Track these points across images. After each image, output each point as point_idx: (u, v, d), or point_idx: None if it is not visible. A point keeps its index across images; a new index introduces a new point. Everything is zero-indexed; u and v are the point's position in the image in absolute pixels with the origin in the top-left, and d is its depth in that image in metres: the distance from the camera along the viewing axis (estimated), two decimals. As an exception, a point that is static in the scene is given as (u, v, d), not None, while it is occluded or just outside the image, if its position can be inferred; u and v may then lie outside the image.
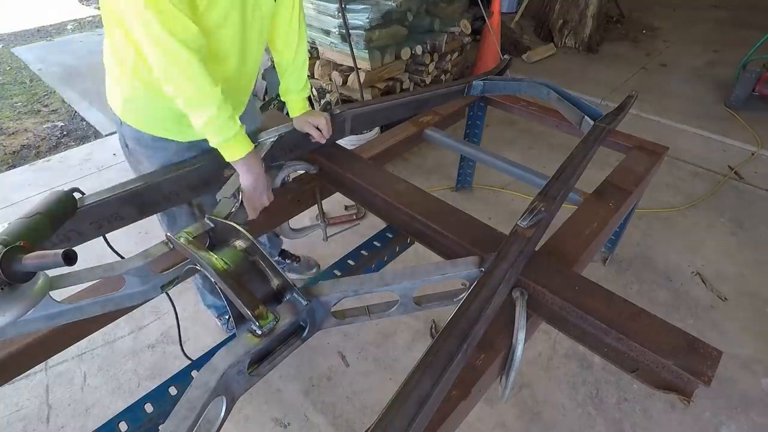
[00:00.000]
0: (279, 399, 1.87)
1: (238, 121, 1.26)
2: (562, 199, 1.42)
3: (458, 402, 1.00)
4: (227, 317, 2.05)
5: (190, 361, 1.52)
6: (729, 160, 3.41)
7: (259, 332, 0.91)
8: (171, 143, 1.39)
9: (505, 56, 2.45)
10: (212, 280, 0.99)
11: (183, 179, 1.42)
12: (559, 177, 1.47)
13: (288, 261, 2.33)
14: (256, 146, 1.40)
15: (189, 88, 1.13)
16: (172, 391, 1.46)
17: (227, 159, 1.29)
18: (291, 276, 1.31)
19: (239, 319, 1.01)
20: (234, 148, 1.27)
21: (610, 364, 1.14)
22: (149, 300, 1.21)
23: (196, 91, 1.14)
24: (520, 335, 1.09)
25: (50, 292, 1.01)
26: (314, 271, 2.37)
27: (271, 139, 1.57)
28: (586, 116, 1.90)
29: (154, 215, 1.47)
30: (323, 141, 1.66)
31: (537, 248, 1.34)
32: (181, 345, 1.54)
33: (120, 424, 1.37)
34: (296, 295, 1.00)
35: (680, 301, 2.31)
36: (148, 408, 1.41)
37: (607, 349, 1.12)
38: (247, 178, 1.32)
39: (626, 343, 1.07)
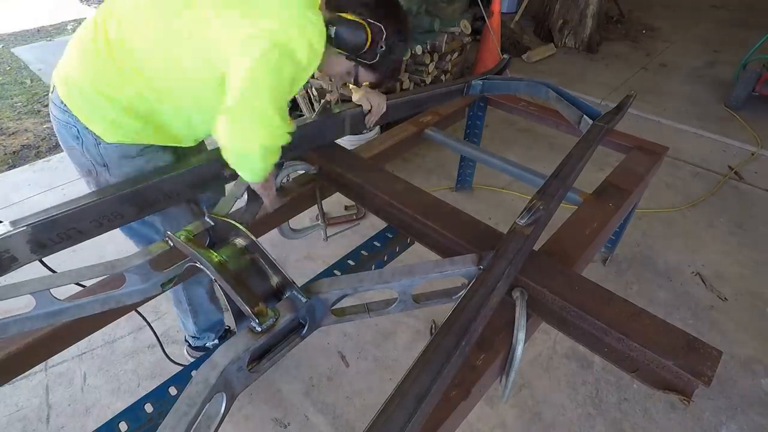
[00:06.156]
0: (279, 399, 1.87)
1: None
2: (560, 198, 1.42)
3: (458, 402, 1.00)
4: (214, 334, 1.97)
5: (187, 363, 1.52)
6: (729, 160, 3.41)
7: (259, 329, 0.91)
8: (152, 147, 1.37)
9: (505, 56, 2.45)
10: (212, 277, 0.99)
11: (183, 178, 1.42)
12: (558, 175, 1.47)
13: None
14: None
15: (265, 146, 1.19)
16: (172, 391, 1.46)
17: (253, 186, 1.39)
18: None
19: (239, 316, 1.01)
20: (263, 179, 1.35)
21: (610, 364, 1.14)
22: (150, 298, 1.21)
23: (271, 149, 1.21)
24: (520, 335, 1.09)
25: (51, 290, 1.01)
26: None
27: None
28: (585, 115, 1.91)
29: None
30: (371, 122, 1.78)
31: (537, 248, 1.34)
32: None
33: (120, 424, 1.37)
34: (296, 293, 1.00)
35: (680, 301, 2.31)
36: (148, 408, 1.41)
37: (607, 349, 1.12)
38: (265, 195, 1.43)
39: (626, 343, 1.07)
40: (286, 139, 1.21)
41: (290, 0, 1.13)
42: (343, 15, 1.17)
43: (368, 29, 1.17)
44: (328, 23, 1.16)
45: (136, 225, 1.55)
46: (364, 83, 1.43)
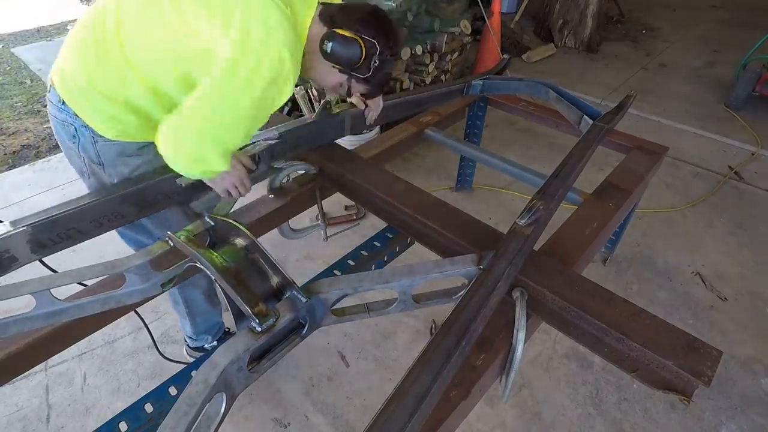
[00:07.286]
0: (279, 399, 1.87)
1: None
2: (560, 198, 1.42)
3: (458, 402, 1.00)
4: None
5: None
6: (729, 160, 3.41)
7: (259, 329, 0.91)
8: (150, 147, 1.32)
9: (505, 56, 2.45)
10: (212, 277, 0.99)
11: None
12: (558, 175, 1.47)
13: None
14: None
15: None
16: (172, 391, 1.46)
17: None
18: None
19: (239, 316, 1.01)
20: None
21: (610, 364, 1.14)
22: (150, 298, 1.21)
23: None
24: (520, 335, 1.09)
25: (51, 290, 1.01)
26: None
27: (270, 140, 1.57)
28: (585, 115, 1.91)
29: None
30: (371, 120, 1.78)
31: (537, 248, 1.34)
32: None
33: (120, 424, 1.37)
34: (296, 293, 1.00)
35: (680, 301, 2.31)
36: (148, 408, 1.41)
37: (607, 349, 1.12)
38: (218, 187, 1.38)
39: (626, 343, 1.06)
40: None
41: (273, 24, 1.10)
42: (339, 31, 1.19)
43: (363, 45, 1.19)
44: (324, 38, 1.19)
45: (130, 232, 1.53)
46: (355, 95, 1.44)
